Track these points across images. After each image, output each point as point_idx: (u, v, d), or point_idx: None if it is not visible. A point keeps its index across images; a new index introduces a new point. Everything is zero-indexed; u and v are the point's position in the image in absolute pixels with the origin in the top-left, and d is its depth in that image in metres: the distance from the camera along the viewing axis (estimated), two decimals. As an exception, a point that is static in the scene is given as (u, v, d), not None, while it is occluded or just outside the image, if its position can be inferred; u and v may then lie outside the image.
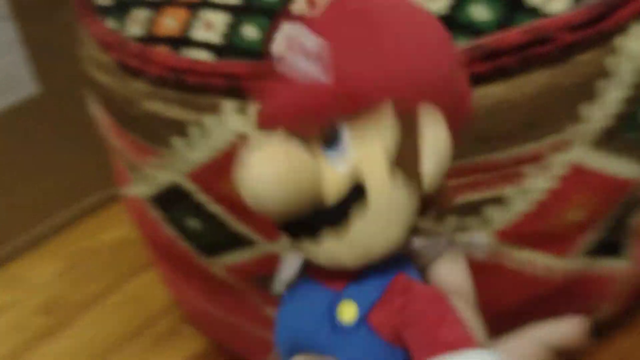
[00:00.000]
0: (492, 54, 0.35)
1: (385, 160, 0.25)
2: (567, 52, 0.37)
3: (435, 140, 0.26)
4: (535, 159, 0.38)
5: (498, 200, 0.39)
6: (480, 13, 0.37)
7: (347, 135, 0.25)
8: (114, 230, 0.77)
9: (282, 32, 0.27)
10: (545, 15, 0.37)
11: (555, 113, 0.37)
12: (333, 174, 0.25)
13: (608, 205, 0.43)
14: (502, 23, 0.36)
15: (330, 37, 0.25)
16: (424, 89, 0.25)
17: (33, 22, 0.69)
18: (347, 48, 0.25)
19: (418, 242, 0.29)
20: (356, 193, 0.25)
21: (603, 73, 0.38)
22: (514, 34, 0.36)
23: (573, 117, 0.38)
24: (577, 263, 0.45)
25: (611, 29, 0.38)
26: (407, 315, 0.26)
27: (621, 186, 0.42)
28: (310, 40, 0.26)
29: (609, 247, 0.46)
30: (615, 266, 0.48)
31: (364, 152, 0.25)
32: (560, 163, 0.39)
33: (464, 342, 0.25)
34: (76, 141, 0.75)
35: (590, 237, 0.44)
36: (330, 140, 0.26)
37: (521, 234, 0.41)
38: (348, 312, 0.27)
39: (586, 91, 0.38)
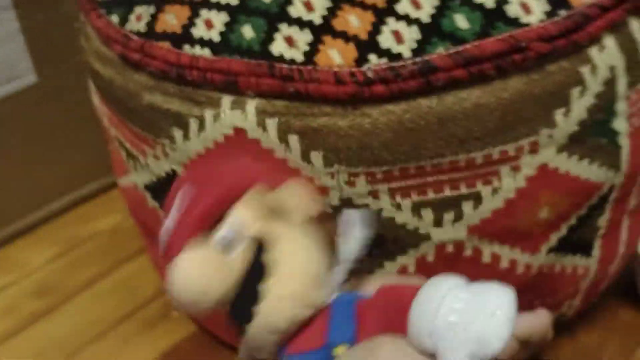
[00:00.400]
0: (472, 61, 0.38)
1: (260, 216, 0.32)
2: (541, 61, 0.39)
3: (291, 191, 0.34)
4: (507, 160, 0.41)
5: (472, 197, 0.41)
6: (461, 22, 0.39)
7: (230, 231, 0.31)
8: (108, 218, 0.79)
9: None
10: (523, 26, 0.39)
11: (528, 118, 0.40)
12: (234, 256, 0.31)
13: (574, 205, 0.45)
14: (483, 32, 0.39)
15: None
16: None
17: (34, 12, 0.70)
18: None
19: (340, 268, 0.33)
20: (259, 251, 0.30)
21: (575, 82, 0.40)
22: (492, 42, 0.38)
23: (544, 121, 0.40)
24: (544, 259, 0.47)
25: (584, 40, 0.40)
26: (382, 317, 0.30)
27: (587, 188, 0.44)
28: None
29: (575, 245, 0.49)
30: (580, 263, 0.51)
31: (246, 222, 0.31)
32: (530, 164, 0.41)
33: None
34: (73, 131, 0.77)
35: (557, 235, 0.46)
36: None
37: (491, 230, 0.43)
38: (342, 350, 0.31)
39: (558, 98, 0.40)
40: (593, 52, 0.41)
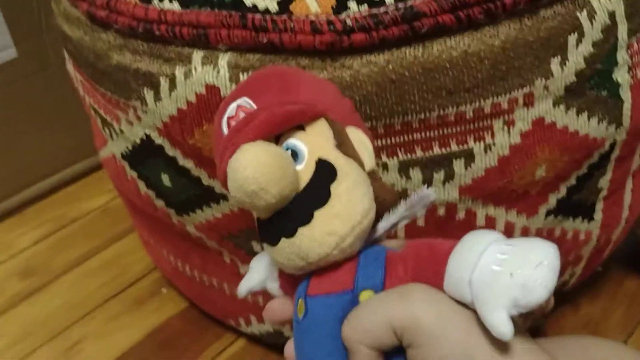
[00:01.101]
0: (459, 5, 0.34)
1: (332, 146, 0.30)
2: (534, 5, 0.36)
3: (363, 140, 0.31)
4: (500, 113, 0.38)
5: (463, 155, 0.38)
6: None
7: (302, 146, 0.30)
8: (96, 198, 0.77)
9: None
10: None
11: (521, 67, 0.37)
12: (299, 168, 0.29)
13: (574, 163, 0.42)
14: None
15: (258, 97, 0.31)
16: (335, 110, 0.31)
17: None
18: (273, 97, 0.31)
19: (381, 226, 0.31)
20: (325, 171, 0.29)
21: (571, 28, 0.37)
22: (480, -15, 0.35)
23: (539, 72, 0.37)
24: (543, 222, 0.44)
25: (580, -16, 0.37)
26: (413, 268, 0.29)
27: (587, 145, 0.41)
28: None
29: (576, 208, 0.46)
30: (582, 228, 0.48)
31: (316, 146, 0.30)
32: (524, 118, 0.38)
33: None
34: (59, 109, 0.74)
35: (555, 196, 0.43)
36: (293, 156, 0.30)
37: (485, 190, 0.40)
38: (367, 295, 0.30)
39: (554, 46, 0.37)
40: (591, -5, 0.37)
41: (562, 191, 0.43)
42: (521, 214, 0.43)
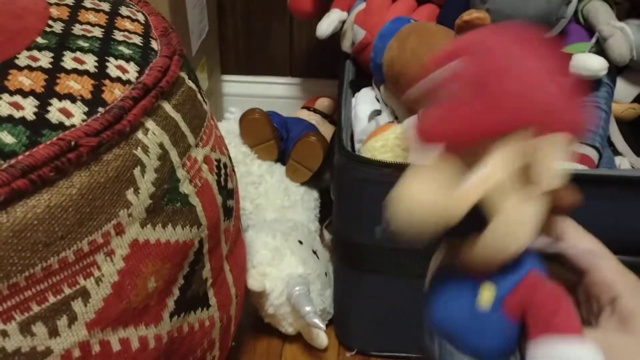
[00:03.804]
0: (28, 170, 0.37)
1: (511, 179, 0.29)
2: (95, 153, 0.41)
3: (551, 159, 0.30)
4: (99, 247, 0.41)
5: (79, 295, 0.41)
6: (7, 138, 0.38)
7: (488, 158, 0.29)
8: None
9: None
10: (69, 128, 0.41)
11: (103, 205, 0.41)
12: (467, 190, 0.29)
13: (176, 267, 0.48)
14: (31, 142, 0.39)
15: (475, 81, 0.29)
16: (550, 118, 0.30)
17: None
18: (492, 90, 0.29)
19: (539, 240, 0.33)
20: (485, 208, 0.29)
21: (133, 163, 0.43)
22: (43, 148, 0.38)
23: (119, 204, 0.42)
24: (170, 325, 0.49)
25: (127, 127, 0.43)
26: (531, 302, 0.30)
27: (180, 249, 0.48)
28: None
29: (193, 301, 0.52)
30: (204, 316, 0.54)
31: (495, 171, 0.29)
32: (121, 245, 0.43)
33: (574, 329, 0.29)
34: None
35: (172, 299, 0.49)
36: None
37: (111, 317, 0.43)
38: (487, 293, 0.32)
39: (124, 180, 0.43)
40: (140, 135, 0.45)
41: (176, 292, 0.49)
42: (150, 325, 0.47)
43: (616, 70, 0.68)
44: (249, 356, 0.71)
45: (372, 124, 0.72)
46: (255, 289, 0.66)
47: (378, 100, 0.77)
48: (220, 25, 1.07)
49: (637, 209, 0.60)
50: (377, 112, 0.75)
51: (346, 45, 0.85)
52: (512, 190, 0.30)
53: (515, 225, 0.30)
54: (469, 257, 0.32)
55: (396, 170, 0.60)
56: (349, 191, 0.63)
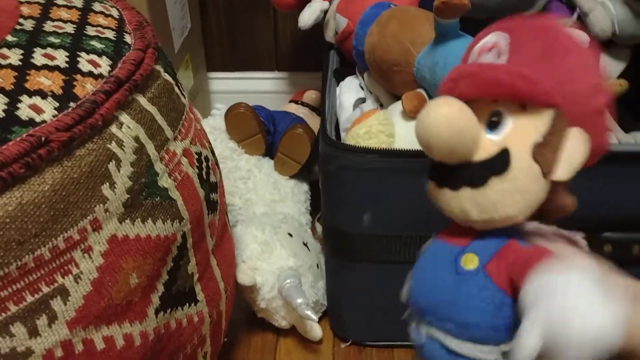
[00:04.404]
0: (-2, 167, 0.36)
1: (531, 146, 0.30)
2: (68, 149, 0.40)
3: (574, 152, 0.31)
4: (76, 244, 0.40)
5: (58, 293, 0.40)
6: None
7: (509, 122, 0.30)
8: None
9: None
10: (40, 124, 0.40)
11: (78, 201, 0.40)
12: (486, 140, 0.31)
13: (159, 262, 0.47)
14: (0, 139, 0.38)
15: (516, 46, 0.31)
16: (582, 107, 0.32)
17: None
18: (529, 56, 0.31)
19: (530, 225, 0.33)
20: (500, 160, 0.30)
21: (108, 158, 0.43)
22: (12, 145, 0.37)
23: (95, 199, 0.41)
24: (156, 321, 0.48)
25: (100, 122, 0.42)
26: (517, 264, 0.31)
27: (162, 244, 0.47)
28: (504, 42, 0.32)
29: (179, 297, 0.51)
30: (192, 312, 0.53)
31: (516, 135, 0.30)
32: (99, 241, 0.42)
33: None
34: None
35: (157, 295, 0.48)
36: (492, 125, 0.31)
37: (92, 315, 0.42)
38: (470, 261, 0.33)
39: (98, 176, 0.42)
40: (114, 129, 0.44)
41: (160, 288, 0.48)
42: (134, 322, 0.46)
43: (601, 46, 0.67)
44: (243, 351, 0.70)
45: (356, 112, 0.71)
46: (246, 284, 0.66)
47: (362, 88, 0.76)
48: (203, 21, 1.06)
49: (624, 183, 0.59)
50: (362, 100, 0.74)
51: (329, 35, 0.85)
52: (529, 158, 0.31)
53: (517, 188, 0.31)
54: (456, 209, 0.33)
55: (380, 156, 0.60)
56: (334, 179, 0.62)
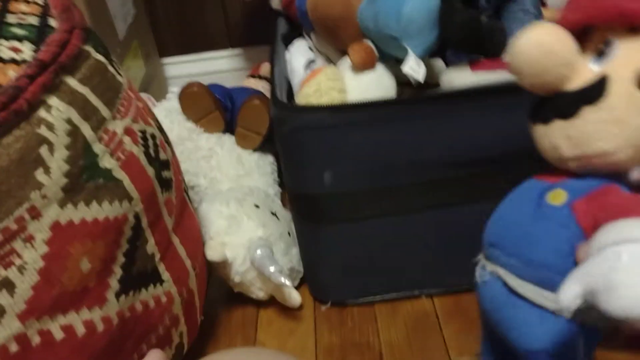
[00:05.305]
0: None
1: (636, 71, 0.28)
2: (-7, 137, 0.38)
3: None
4: (14, 234, 0.39)
5: (3, 286, 0.38)
6: None
7: (617, 51, 0.28)
8: None
9: None
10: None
11: (10, 189, 0.38)
12: (586, 69, 0.29)
13: (112, 245, 0.46)
14: None
15: None
16: None
17: None
18: None
19: (637, 174, 0.30)
20: (596, 88, 0.28)
21: (39, 143, 0.41)
22: None
23: (30, 186, 0.40)
24: (119, 305, 0.47)
25: (25, 107, 0.40)
26: (612, 210, 0.28)
27: (112, 226, 0.45)
28: None
29: (141, 278, 0.50)
30: (158, 292, 0.52)
31: (621, 61, 0.28)
32: (40, 229, 0.40)
33: None
34: None
35: (115, 278, 0.46)
36: (600, 53, 0.29)
37: (45, 305, 0.40)
38: (557, 197, 0.30)
39: (30, 161, 0.40)
40: (43, 113, 0.42)
41: (118, 271, 0.47)
42: (93, 308, 0.44)
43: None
44: (224, 327, 0.69)
45: (307, 73, 0.69)
46: (215, 259, 0.64)
47: (311, 49, 0.74)
48: (149, 6, 1.03)
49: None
50: (313, 61, 0.72)
51: (275, 2, 0.82)
52: (632, 85, 0.28)
53: (614, 120, 0.28)
54: (547, 144, 0.31)
55: (331, 112, 0.58)
56: (290, 142, 0.61)
